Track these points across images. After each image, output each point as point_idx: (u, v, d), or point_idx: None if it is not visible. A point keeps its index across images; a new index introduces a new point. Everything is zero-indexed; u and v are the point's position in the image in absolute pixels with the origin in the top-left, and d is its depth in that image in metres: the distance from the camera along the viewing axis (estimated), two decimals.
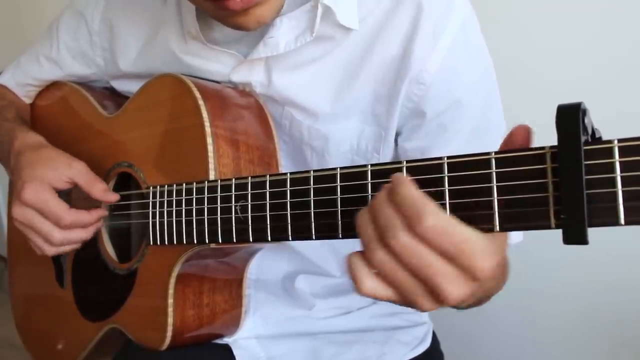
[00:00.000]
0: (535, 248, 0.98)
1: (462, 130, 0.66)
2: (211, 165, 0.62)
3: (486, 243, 0.38)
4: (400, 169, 0.43)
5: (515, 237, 0.66)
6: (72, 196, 0.73)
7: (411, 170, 0.43)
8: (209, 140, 0.63)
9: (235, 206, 0.55)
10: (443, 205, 0.41)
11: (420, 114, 0.66)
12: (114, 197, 0.72)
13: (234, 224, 0.55)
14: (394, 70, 0.65)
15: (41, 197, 0.68)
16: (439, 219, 0.37)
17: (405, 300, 0.41)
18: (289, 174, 0.50)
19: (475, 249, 0.37)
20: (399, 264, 0.39)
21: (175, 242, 0.63)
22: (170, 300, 0.66)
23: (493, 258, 0.38)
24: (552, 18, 1.01)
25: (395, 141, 0.69)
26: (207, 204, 0.58)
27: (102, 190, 0.71)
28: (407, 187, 0.38)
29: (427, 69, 0.63)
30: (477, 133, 0.66)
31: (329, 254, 0.78)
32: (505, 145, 0.40)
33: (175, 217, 0.62)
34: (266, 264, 0.78)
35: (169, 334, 0.66)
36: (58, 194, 0.71)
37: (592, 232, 0.35)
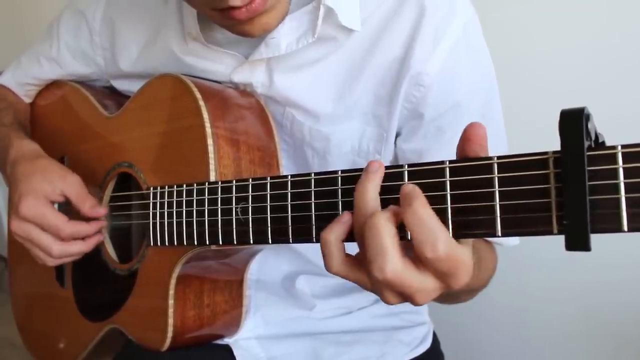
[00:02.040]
0: (536, 249, 0.98)
1: (460, 133, 0.65)
2: (212, 167, 0.62)
3: (472, 262, 0.40)
4: (401, 173, 0.43)
5: (512, 239, 0.66)
6: (72, 207, 0.73)
7: (413, 174, 0.42)
8: (210, 141, 0.62)
9: (235, 208, 0.54)
10: (444, 210, 0.40)
11: (418, 115, 0.65)
12: (102, 212, 0.73)
13: (234, 226, 0.55)
14: (395, 72, 0.64)
15: (39, 211, 0.68)
16: (449, 247, 0.38)
17: (373, 292, 0.44)
18: (289, 176, 0.50)
19: (464, 272, 0.39)
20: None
21: (175, 243, 0.63)
22: (171, 301, 0.66)
23: (471, 272, 0.40)
24: (555, 20, 1.00)
25: (395, 142, 0.69)
26: (208, 206, 0.58)
27: (90, 207, 0.71)
28: (424, 206, 0.39)
29: (427, 71, 0.63)
30: None
31: None
32: (461, 143, 0.42)
33: (176, 219, 0.62)
34: (267, 264, 0.78)
35: (170, 334, 0.66)
36: (58, 204, 0.71)
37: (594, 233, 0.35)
